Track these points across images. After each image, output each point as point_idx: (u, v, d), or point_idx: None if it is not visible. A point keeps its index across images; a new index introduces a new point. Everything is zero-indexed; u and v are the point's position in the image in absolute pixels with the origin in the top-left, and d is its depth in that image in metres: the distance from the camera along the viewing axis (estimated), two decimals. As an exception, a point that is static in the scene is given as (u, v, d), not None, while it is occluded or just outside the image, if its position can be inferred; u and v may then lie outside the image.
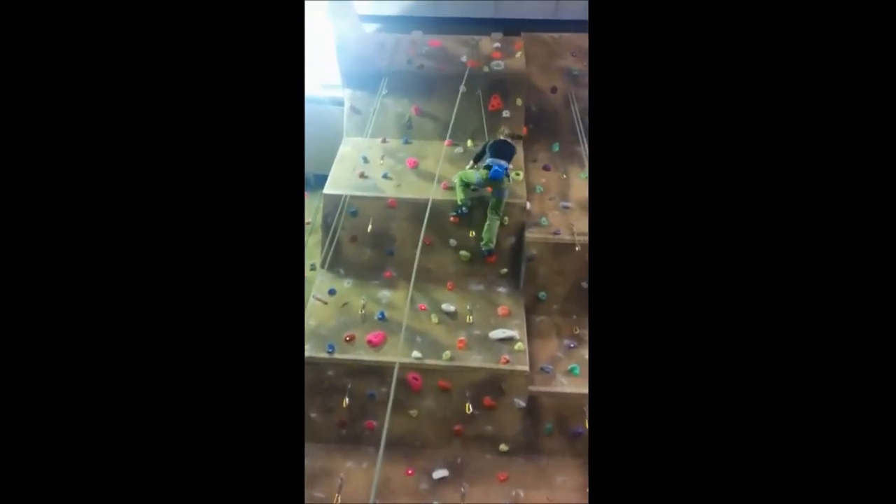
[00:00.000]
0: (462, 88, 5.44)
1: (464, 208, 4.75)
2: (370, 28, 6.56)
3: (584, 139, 5.17)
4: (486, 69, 5.55)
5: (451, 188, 4.97)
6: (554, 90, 5.75)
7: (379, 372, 4.25)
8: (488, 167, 4.59)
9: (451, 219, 4.86)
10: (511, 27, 6.10)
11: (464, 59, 5.69)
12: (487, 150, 4.78)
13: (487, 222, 4.74)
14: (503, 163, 4.62)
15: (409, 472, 4.12)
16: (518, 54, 5.75)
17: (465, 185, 4.75)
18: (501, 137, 4.90)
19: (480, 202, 4.85)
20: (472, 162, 5.03)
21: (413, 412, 4.26)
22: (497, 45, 5.87)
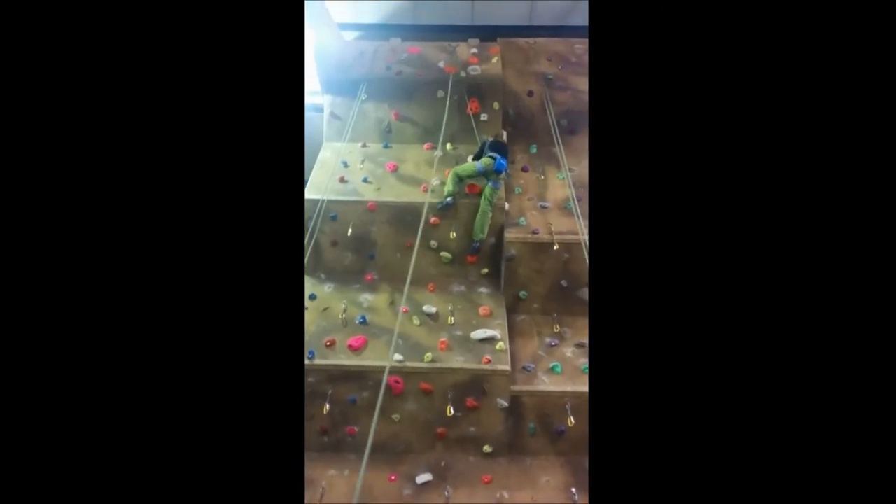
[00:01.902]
0: (440, 93, 5.48)
1: (449, 199, 4.76)
2: (349, 36, 6.60)
3: (560, 141, 5.22)
4: (463, 74, 5.60)
5: (430, 191, 4.97)
6: (530, 94, 5.81)
7: (360, 376, 4.20)
8: (493, 157, 4.79)
9: (432, 220, 4.87)
10: (487, 33, 6.19)
11: (441, 64, 5.75)
12: (487, 147, 4.96)
13: (480, 211, 4.78)
14: (503, 158, 4.85)
15: (392, 477, 4.06)
16: (494, 59, 5.81)
17: (459, 179, 4.85)
18: (492, 138, 5.13)
19: (463, 201, 4.86)
20: (470, 158, 5.15)
21: (395, 416, 4.21)
22: (474, 50, 5.93)
